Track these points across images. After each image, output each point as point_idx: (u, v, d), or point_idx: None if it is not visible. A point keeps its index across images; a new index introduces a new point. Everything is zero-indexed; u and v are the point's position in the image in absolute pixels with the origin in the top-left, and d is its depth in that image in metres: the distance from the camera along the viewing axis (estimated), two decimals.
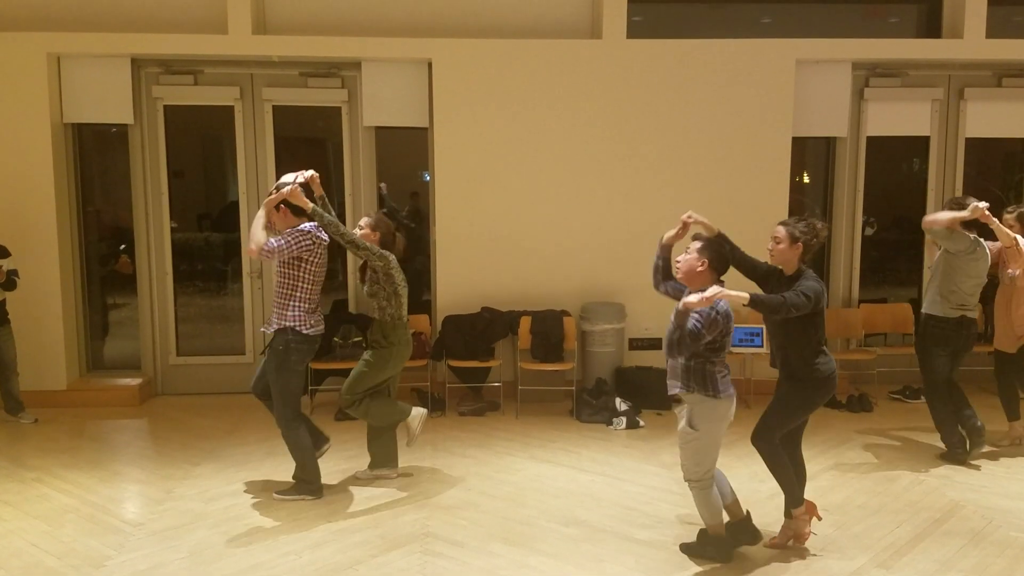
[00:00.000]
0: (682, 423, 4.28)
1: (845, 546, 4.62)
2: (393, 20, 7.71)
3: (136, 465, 6.04)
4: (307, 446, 5.32)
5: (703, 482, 4.28)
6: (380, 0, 7.70)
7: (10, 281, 6.80)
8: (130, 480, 5.72)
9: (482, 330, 7.47)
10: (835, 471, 5.81)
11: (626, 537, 4.74)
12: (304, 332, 5.12)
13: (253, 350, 7.99)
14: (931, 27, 8.17)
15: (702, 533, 4.50)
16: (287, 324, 5.10)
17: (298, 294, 5.12)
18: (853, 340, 8.02)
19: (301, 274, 5.12)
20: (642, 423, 6.98)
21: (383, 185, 8.16)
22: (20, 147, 7.28)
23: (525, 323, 7.47)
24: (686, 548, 4.54)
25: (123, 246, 8.04)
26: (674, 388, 4.28)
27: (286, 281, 5.12)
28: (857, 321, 7.90)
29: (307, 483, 5.35)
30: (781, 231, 4.43)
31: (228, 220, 8.02)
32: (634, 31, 7.67)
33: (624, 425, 6.90)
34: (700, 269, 4.21)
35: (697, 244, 4.28)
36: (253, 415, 7.02)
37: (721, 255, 4.27)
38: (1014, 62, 7.96)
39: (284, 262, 5.09)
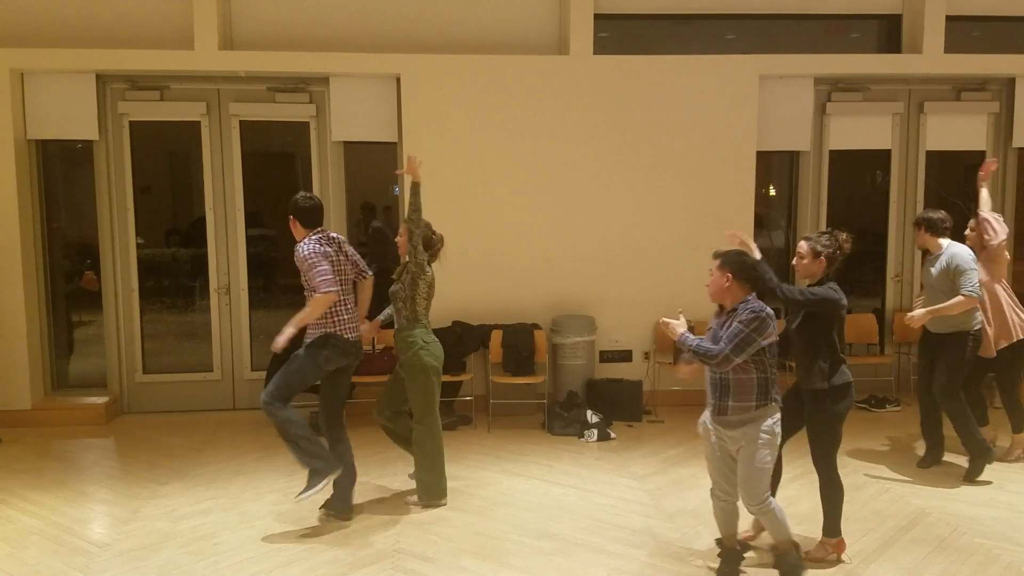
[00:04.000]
0: (761, 441, 4.08)
1: None
2: (361, 35, 7.73)
3: (102, 485, 5.95)
4: (296, 420, 5.01)
5: (770, 499, 4.20)
6: (348, 15, 7.72)
7: None
8: (96, 500, 5.64)
9: (453, 344, 7.45)
10: (802, 480, 5.86)
11: (598, 550, 4.75)
12: (344, 336, 5.11)
13: (221, 367, 7.92)
14: (891, 43, 8.34)
15: (779, 554, 4.37)
16: (326, 331, 5.03)
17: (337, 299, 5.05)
18: None
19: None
20: (613, 435, 7.01)
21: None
22: None
23: (496, 337, 7.48)
24: (784, 570, 4.35)
25: (88, 262, 7.94)
26: (748, 407, 4.09)
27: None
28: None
29: (318, 461, 4.98)
30: (804, 246, 4.47)
31: (196, 236, 7.95)
32: (600, 47, 7.76)
33: (595, 437, 6.93)
34: (727, 285, 4.14)
35: (716, 261, 4.19)
36: (221, 433, 6.96)
37: (743, 264, 4.15)
38: (972, 76, 8.15)
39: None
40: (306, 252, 4.96)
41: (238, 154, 7.80)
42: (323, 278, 4.89)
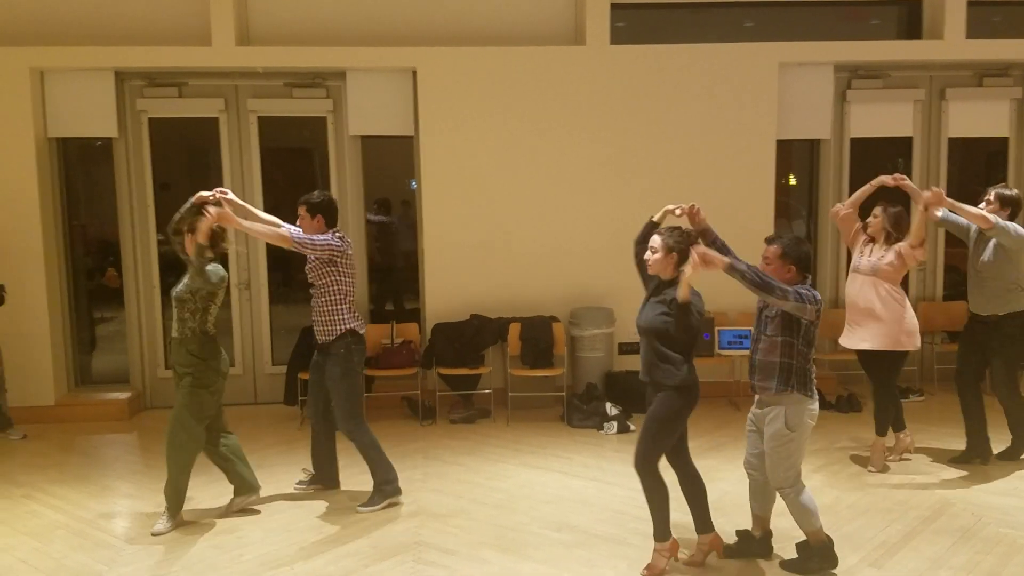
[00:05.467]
0: (777, 425, 4.14)
1: (837, 545, 4.60)
2: (377, 29, 7.73)
3: (126, 479, 6.01)
4: (378, 445, 5.31)
5: (796, 487, 4.21)
6: (364, 9, 7.72)
7: None
8: (120, 495, 5.69)
9: (471, 337, 7.47)
10: (824, 471, 5.83)
11: (619, 541, 4.75)
12: (360, 332, 5.25)
13: (242, 362, 7.97)
14: (912, 28, 8.24)
15: (803, 546, 4.35)
16: (345, 328, 5.16)
17: (344, 298, 5.17)
18: None
19: (340, 278, 5.15)
20: (633, 427, 6.99)
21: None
22: (4, 162, 7.25)
23: (514, 330, 7.47)
24: (788, 565, 4.36)
25: (111, 259, 8.01)
26: (768, 389, 4.14)
27: (329, 289, 5.16)
28: (844, 321, 7.88)
29: (388, 483, 5.32)
30: (657, 241, 4.34)
31: (215, 232, 7.98)
32: (617, 37, 7.71)
33: (615, 430, 6.91)
34: (788, 277, 4.13)
35: (774, 248, 4.19)
36: (242, 427, 7.00)
37: (806, 255, 4.16)
38: (994, 62, 8.04)
39: (321, 272, 5.12)
40: (324, 241, 5.05)
41: (256, 150, 7.83)
42: (320, 244, 5.00)
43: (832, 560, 4.32)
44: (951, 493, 5.38)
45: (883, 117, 8.15)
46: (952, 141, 8.27)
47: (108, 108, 7.52)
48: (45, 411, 7.44)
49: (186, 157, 8.47)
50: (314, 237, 5.07)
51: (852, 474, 5.79)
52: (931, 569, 4.36)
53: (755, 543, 4.50)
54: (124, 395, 7.68)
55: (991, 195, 5.64)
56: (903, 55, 7.93)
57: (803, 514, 4.25)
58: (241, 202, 5.35)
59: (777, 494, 4.37)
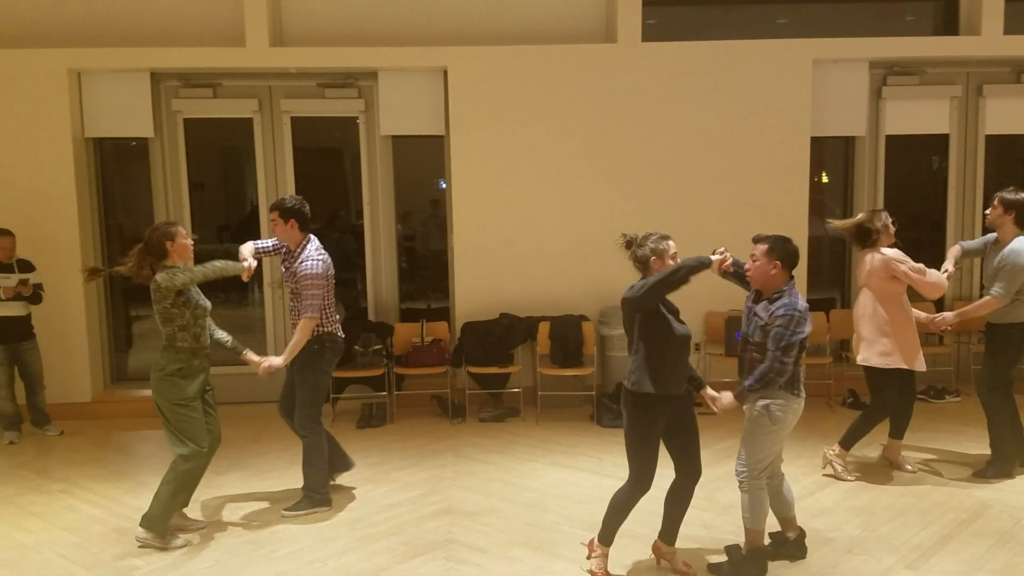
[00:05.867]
0: (757, 413, 4.17)
1: (872, 547, 4.58)
2: (408, 29, 7.76)
3: (161, 475, 6.05)
4: (324, 452, 5.31)
5: (759, 481, 4.23)
6: (395, 10, 7.75)
7: (36, 295, 6.88)
8: (155, 490, 5.75)
9: (501, 336, 7.47)
10: (860, 472, 5.76)
11: (649, 541, 4.72)
12: (338, 336, 5.30)
13: None
14: (948, 24, 8.11)
15: (734, 549, 4.33)
16: (323, 330, 5.21)
17: (325, 302, 5.23)
18: None
19: (320, 291, 5.21)
20: None
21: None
22: (43, 162, 7.38)
23: (544, 328, 7.47)
24: (715, 569, 4.35)
25: None
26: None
27: None
28: None
29: (317, 492, 5.29)
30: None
31: (248, 231, 8.06)
32: (649, 34, 7.67)
33: None
34: (774, 273, 4.17)
35: (762, 246, 4.21)
36: (276, 424, 7.05)
37: (793, 253, 4.19)
38: None
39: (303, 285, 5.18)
40: (313, 271, 5.10)
41: (289, 150, 7.89)
42: (312, 303, 5.08)
43: (762, 568, 4.26)
44: (989, 495, 5.30)
45: (919, 114, 8.04)
46: (989, 138, 8.14)
47: (144, 109, 7.62)
48: (82, 408, 7.55)
49: (220, 157, 8.56)
50: (314, 295, 5.08)
51: (889, 475, 5.72)
52: (968, 572, 4.29)
53: (790, 545, 4.46)
54: None
55: (995, 199, 5.59)
56: (939, 51, 7.81)
57: (753, 510, 4.25)
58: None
59: (793, 492, 4.41)
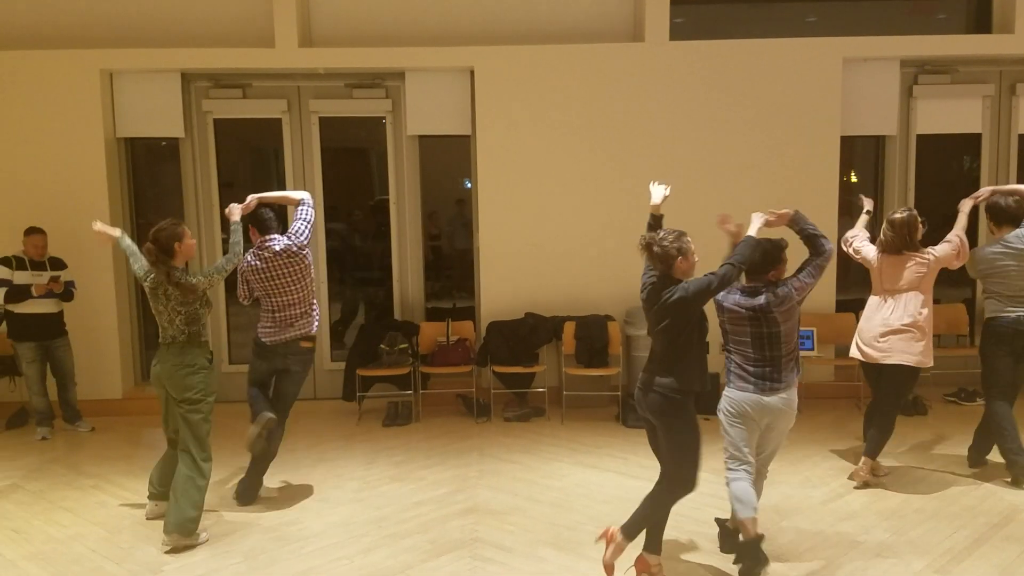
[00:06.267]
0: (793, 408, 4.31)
1: (902, 551, 4.53)
2: (435, 29, 7.78)
3: None
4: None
5: (734, 472, 4.34)
6: (422, 10, 7.78)
7: (67, 292, 6.98)
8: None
9: (526, 336, 7.47)
10: (890, 475, 5.70)
11: (675, 543, 4.71)
12: (263, 340, 5.46)
13: None
14: (981, 22, 8.00)
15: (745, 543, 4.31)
16: (315, 330, 5.49)
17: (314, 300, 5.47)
18: None
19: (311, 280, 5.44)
20: None
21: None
22: (75, 161, 7.48)
23: (569, 328, 7.46)
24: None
25: None
26: (791, 378, 4.29)
27: (310, 290, 5.43)
28: None
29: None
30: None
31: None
32: (676, 33, 7.64)
33: None
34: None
35: None
36: (302, 422, 7.11)
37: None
38: None
39: (305, 272, 5.34)
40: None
41: (317, 150, 7.95)
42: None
43: (757, 559, 4.14)
44: (1021, 500, 5.22)
45: (951, 113, 7.94)
46: (1022, 138, 8.02)
47: (175, 109, 7.70)
48: (112, 404, 7.65)
49: (249, 157, 8.63)
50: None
51: (918, 478, 5.66)
52: None
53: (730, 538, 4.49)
54: None
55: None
56: (972, 49, 7.71)
57: (733, 500, 4.24)
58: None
59: (762, 486, 4.49)
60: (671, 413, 4.07)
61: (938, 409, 7.35)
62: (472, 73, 7.65)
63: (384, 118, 7.98)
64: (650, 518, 4.17)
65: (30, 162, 7.45)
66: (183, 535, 4.74)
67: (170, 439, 5.17)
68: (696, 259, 4.15)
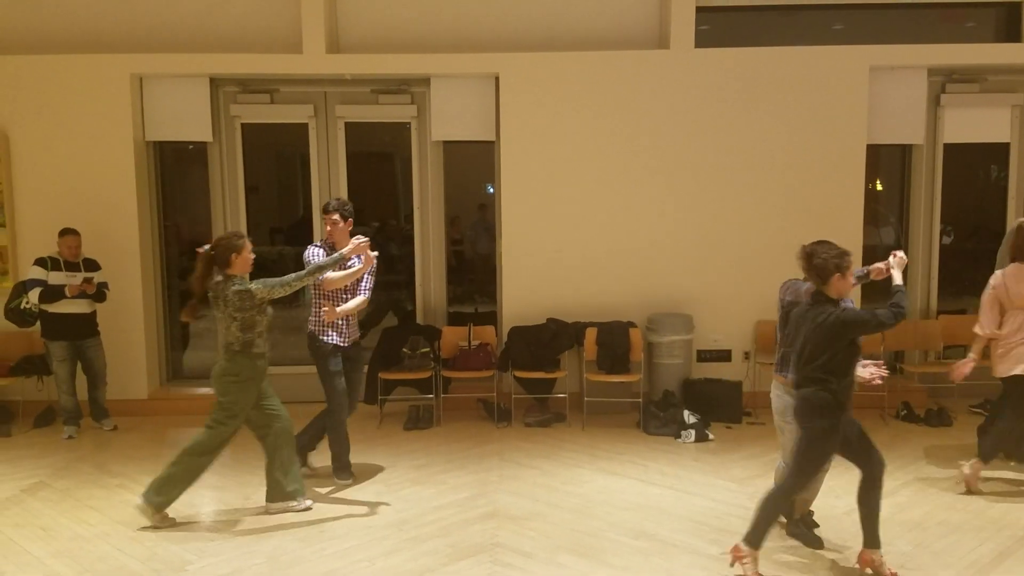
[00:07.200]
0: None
1: (926, 564, 4.49)
2: (461, 36, 7.82)
3: (214, 472, 6.14)
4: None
5: None
6: (448, 17, 7.83)
7: (100, 293, 7.08)
8: (209, 487, 5.87)
9: (548, 341, 7.48)
10: (914, 487, 5.66)
11: (698, 552, 4.69)
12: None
13: None
14: (1010, 31, 7.94)
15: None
16: (312, 326, 5.89)
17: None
18: (932, 352, 7.81)
19: None
20: (711, 436, 6.89)
21: None
22: (105, 165, 7.59)
23: (591, 334, 7.46)
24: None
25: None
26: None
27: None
28: (936, 333, 7.70)
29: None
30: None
31: (300, 234, 8.20)
32: (702, 40, 7.64)
33: (693, 438, 6.83)
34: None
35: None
36: None
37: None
38: None
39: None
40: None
41: (343, 155, 8.01)
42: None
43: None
44: None
45: (978, 122, 7.88)
46: None
47: (203, 113, 7.79)
48: (139, 404, 7.74)
49: (275, 161, 8.72)
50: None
51: (943, 490, 5.60)
52: None
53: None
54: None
55: None
56: (1000, 58, 7.64)
57: None
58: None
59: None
60: (815, 415, 4.17)
61: (963, 420, 7.27)
62: (497, 79, 7.68)
63: (409, 123, 8.03)
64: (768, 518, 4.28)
65: (62, 164, 7.57)
66: (149, 505, 5.06)
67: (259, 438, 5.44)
68: (854, 281, 4.14)
